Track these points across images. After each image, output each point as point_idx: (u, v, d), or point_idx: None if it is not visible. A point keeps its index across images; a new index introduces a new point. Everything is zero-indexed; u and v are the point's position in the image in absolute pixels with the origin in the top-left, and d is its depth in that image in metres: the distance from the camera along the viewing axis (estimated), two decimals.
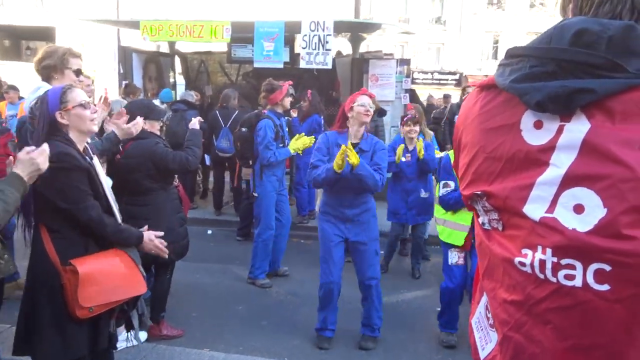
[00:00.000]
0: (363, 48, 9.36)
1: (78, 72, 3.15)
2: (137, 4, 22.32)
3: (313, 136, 5.29)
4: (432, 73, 26.43)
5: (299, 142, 5.11)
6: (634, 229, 0.92)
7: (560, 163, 0.99)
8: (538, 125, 1.03)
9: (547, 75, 0.99)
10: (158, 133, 3.61)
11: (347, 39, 9.33)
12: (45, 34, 15.43)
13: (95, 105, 2.78)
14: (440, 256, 4.24)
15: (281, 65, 7.88)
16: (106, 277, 2.33)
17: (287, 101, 5.25)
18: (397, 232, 5.76)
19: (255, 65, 8.11)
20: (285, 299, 5.00)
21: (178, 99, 8.59)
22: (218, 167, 7.68)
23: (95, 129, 2.49)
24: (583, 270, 0.98)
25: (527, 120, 1.04)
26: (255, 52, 8.05)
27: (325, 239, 3.89)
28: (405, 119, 5.46)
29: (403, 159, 5.34)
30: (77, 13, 17.69)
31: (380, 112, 7.29)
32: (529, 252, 1.04)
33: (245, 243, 6.50)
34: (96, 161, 2.49)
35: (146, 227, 2.63)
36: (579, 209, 0.97)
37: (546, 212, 1.00)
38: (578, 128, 0.97)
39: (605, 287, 0.97)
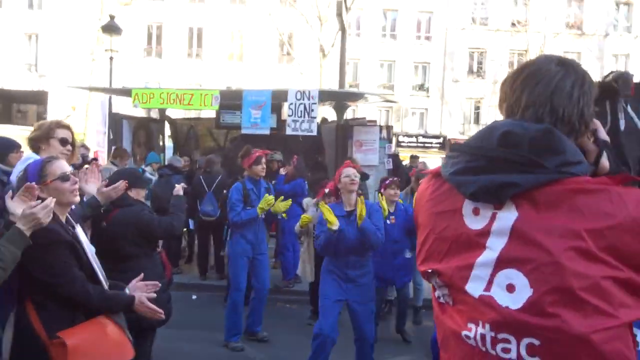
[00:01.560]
0: (349, 114, 9.78)
1: (64, 142, 3.19)
2: (129, 72, 23.02)
3: (290, 200, 5.48)
4: (416, 137, 27.17)
5: (263, 202, 5.17)
6: (556, 307, 1.03)
7: (494, 246, 1.11)
8: (476, 212, 1.16)
9: (480, 170, 1.14)
10: (143, 200, 3.70)
11: (331, 107, 9.72)
12: (37, 98, 15.83)
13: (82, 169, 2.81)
14: (431, 321, 4.28)
15: (268, 132, 8.14)
16: (95, 347, 2.30)
17: (258, 169, 5.34)
18: (382, 295, 5.77)
19: (243, 131, 8.37)
20: None
21: (166, 163, 8.75)
22: (202, 231, 7.72)
23: (77, 199, 2.50)
24: (517, 344, 1.07)
25: (467, 207, 1.18)
26: (243, 119, 8.34)
27: (326, 295, 4.15)
28: (388, 182, 5.60)
29: (388, 222, 5.45)
30: (70, 80, 18.15)
31: (363, 176, 7.53)
32: (473, 327, 1.14)
33: None
34: (79, 229, 2.52)
35: (138, 282, 2.62)
36: (510, 288, 1.08)
37: (484, 291, 1.12)
38: (507, 216, 1.11)
39: (535, 359, 1.06)
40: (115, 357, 2.37)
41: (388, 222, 5.44)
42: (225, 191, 6.59)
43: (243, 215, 5.19)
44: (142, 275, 2.67)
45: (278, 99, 8.47)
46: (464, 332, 1.16)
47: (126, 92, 8.69)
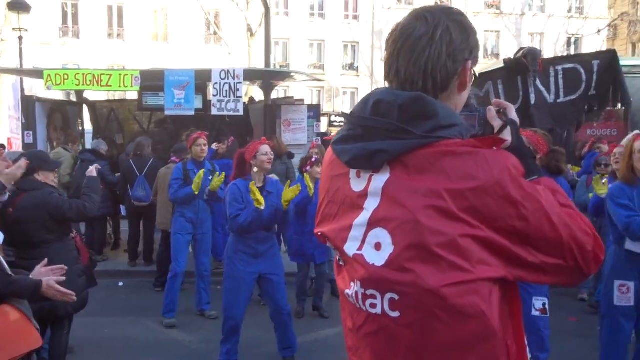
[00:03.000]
0: (281, 94, 9.72)
1: None
2: (44, 53, 21.60)
3: (224, 173, 5.35)
4: None
5: (197, 177, 5.19)
6: (413, 263, 1.07)
7: (369, 207, 1.16)
8: (358, 174, 1.21)
9: (357, 138, 1.17)
10: (52, 184, 3.53)
11: (259, 87, 9.62)
12: None
13: None
14: None
15: (192, 113, 7.95)
16: None
17: (197, 150, 5.56)
18: (305, 271, 5.82)
19: (167, 113, 8.12)
20: (199, 348, 4.90)
21: (88, 147, 8.36)
22: (134, 216, 7.47)
23: None
24: (381, 300, 1.13)
25: (353, 170, 1.22)
26: (166, 100, 8.07)
27: (236, 278, 4.09)
28: (314, 160, 5.51)
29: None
30: None
31: (289, 155, 7.57)
32: (352, 285, 1.19)
33: (161, 293, 6.32)
34: None
35: (42, 268, 2.52)
36: (378, 246, 1.13)
37: (357, 250, 1.17)
38: (381, 178, 1.15)
39: (396, 314, 1.12)
40: (20, 345, 2.29)
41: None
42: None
43: (180, 192, 5.34)
44: (46, 260, 2.58)
45: (202, 78, 8.27)
46: (346, 291, 1.22)
47: (38, 74, 8.16)
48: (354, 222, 1.18)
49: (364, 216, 1.16)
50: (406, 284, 1.08)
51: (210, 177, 5.30)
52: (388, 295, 1.12)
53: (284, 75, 9.38)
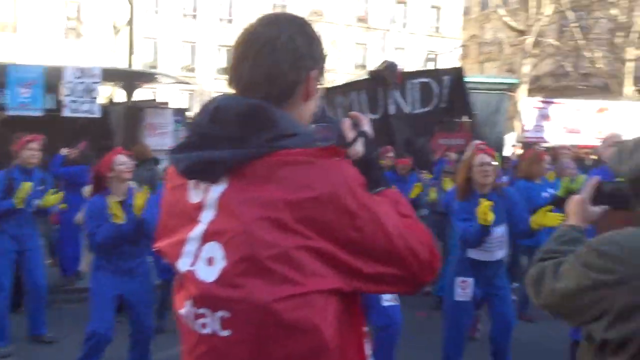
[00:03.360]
0: (148, 96, 9.18)
1: None
2: None
3: (62, 193, 4.92)
4: None
5: (20, 192, 4.49)
6: (244, 277, 1.03)
7: (205, 220, 1.09)
8: (197, 185, 1.13)
9: (194, 147, 1.10)
10: None
11: (120, 88, 9.04)
12: None
13: None
14: None
15: (40, 113, 7.23)
16: None
17: (26, 156, 4.77)
18: (170, 287, 5.54)
19: (10, 112, 7.32)
20: None
21: None
22: None
23: None
24: (213, 318, 1.07)
25: (191, 180, 1.14)
26: (9, 99, 7.25)
27: (99, 293, 3.82)
28: None
29: None
30: None
31: (155, 161, 7.19)
32: (186, 304, 1.11)
33: None
34: None
35: None
36: (210, 261, 1.06)
37: (190, 266, 1.09)
38: (217, 189, 1.09)
39: (227, 333, 1.06)
40: None
41: None
42: None
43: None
44: None
45: (55, 76, 7.55)
46: (181, 311, 1.14)
47: None
48: (189, 236, 1.10)
49: (199, 229, 1.09)
50: (237, 300, 1.03)
51: (40, 188, 4.71)
52: (219, 314, 1.05)
53: (147, 76, 8.91)
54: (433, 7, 29.99)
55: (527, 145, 10.26)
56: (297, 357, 1.06)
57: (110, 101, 9.52)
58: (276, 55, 1.10)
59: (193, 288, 1.08)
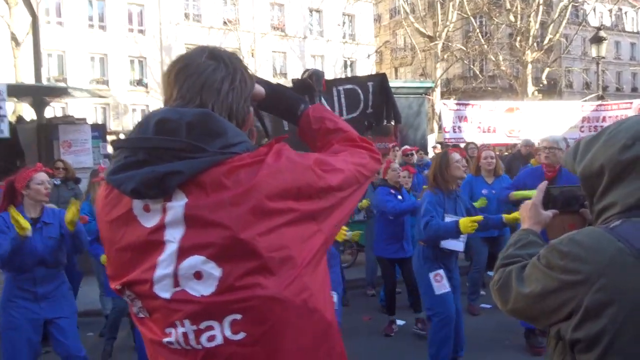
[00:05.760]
0: (58, 112, 8.57)
1: None
2: None
3: None
4: None
5: None
6: (247, 276, 1.05)
7: (173, 238, 1.06)
8: (147, 208, 1.09)
9: (140, 164, 1.06)
10: None
11: (29, 104, 8.40)
12: None
13: None
14: None
15: None
16: None
17: None
18: (122, 306, 5.15)
19: None
20: None
21: None
22: None
23: None
24: (221, 328, 1.07)
25: (137, 205, 1.10)
26: None
27: (14, 329, 3.49)
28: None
29: None
30: None
31: (75, 180, 6.76)
32: (172, 330, 1.09)
33: None
34: None
35: None
36: (198, 275, 1.05)
37: (174, 287, 1.06)
38: (178, 204, 1.06)
39: (241, 335, 1.07)
40: None
41: None
42: None
43: None
44: None
45: None
46: (165, 339, 1.10)
47: None
48: (158, 260, 1.07)
49: (169, 249, 1.07)
50: (246, 299, 1.05)
51: None
52: (229, 319, 1.06)
53: (59, 91, 8.35)
54: (344, 14, 30.68)
55: (447, 145, 10.75)
56: (312, 342, 1.13)
57: (19, 118, 8.81)
58: (235, 93, 1.20)
59: (189, 307, 1.06)
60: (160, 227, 1.07)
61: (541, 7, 21.23)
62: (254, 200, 1.05)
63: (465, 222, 3.74)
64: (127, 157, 1.08)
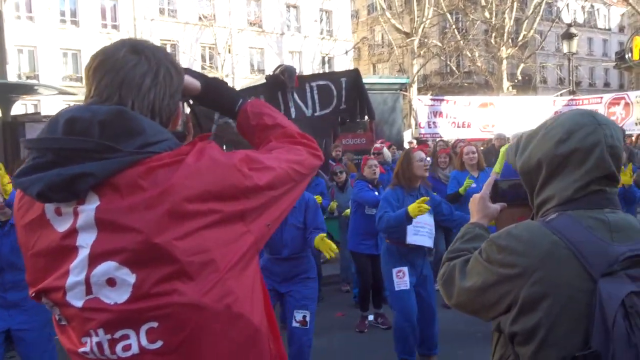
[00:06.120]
0: (30, 110, 8.35)
1: None
2: None
3: None
4: None
5: None
6: (163, 282, 1.00)
7: (85, 244, 1.01)
8: (58, 212, 1.04)
9: (49, 165, 1.00)
10: None
11: None
12: None
13: None
14: None
15: None
16: None
17: None
18: None
19: None
20: None
21: None
22: None
23: None
24: (137, 336, 1.01)
25: (49, 208, 1.04)
26: None
27: None
28: None
29: None
30: None
31: None
32: (87, 340, 1.04)
33: None
34: None
35: None
36: (111, 282, 1.00)
37: (87, 295, 1.01)
38: (89, 207, 1.01)
39: (158, 344, 1.02)
40: None
41: None
42: None
43: None
44: None
45: None
46: (81, 349, 1.05)
47: None
48: (71, 267, 1.02)
49: (81, 255, 1.01)
50: (162, 306, 1.00)
51: None
52: (145, 327, 1.01)
53: (26, 88, 8.12)
54: (322, 10, 30.62)
55: (422, 141, 10.82)
56: (237, 348, 1.08)
57: None
58: (158, 89, 1.13)
59: (102, 315, 1.01)
60: (72, 232, 1.02)
61: (515, 4, 21.54)
62: (171, 203, 1.00)
63: (413, 207, 3.80)
64: (35, 159, 1.01)
